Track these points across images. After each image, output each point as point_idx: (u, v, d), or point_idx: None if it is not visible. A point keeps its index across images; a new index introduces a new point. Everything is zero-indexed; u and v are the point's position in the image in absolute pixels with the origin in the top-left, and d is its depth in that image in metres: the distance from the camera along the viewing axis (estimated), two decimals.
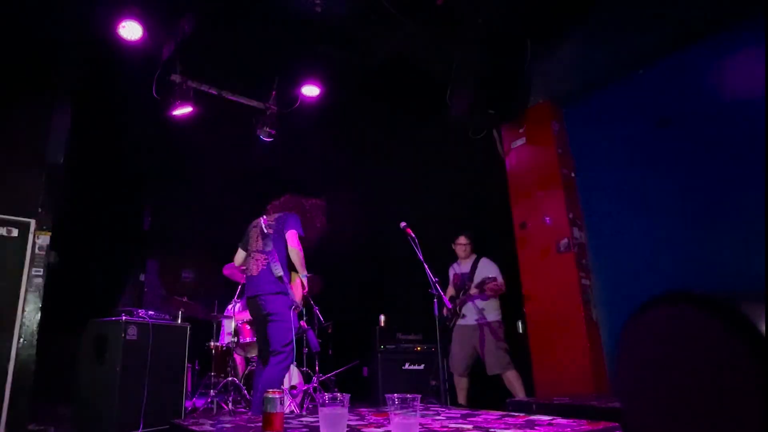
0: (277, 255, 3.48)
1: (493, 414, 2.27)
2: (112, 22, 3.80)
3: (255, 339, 4.66)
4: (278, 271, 3.43)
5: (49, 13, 3.82)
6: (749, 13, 3.39)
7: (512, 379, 4.13)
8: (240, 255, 3.79)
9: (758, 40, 3.20)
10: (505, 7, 3.85)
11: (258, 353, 3.62)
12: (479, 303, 4.35)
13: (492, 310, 4.33)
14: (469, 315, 4.37)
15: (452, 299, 4.44)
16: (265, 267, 3.46)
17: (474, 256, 4.56)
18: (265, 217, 3.73)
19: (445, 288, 4.39)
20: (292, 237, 3.54)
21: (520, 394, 4.07)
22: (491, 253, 4.59)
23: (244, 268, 3.76)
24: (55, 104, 3.77)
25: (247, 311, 5.09)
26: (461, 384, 4.33)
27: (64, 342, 4.06)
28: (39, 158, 3.62)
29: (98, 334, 3.65)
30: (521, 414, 2.23)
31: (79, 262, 4.89)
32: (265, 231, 3.57)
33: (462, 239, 4.60)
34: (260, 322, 3.51)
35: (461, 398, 4.31)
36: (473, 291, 4.32)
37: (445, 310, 3.31)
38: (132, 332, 3.52)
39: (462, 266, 4.61)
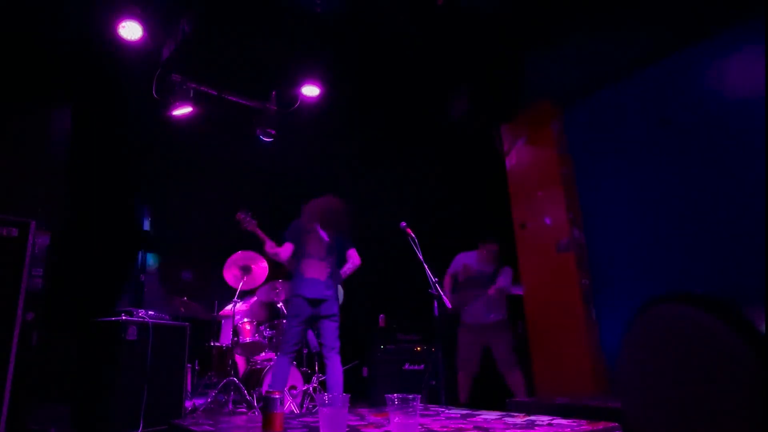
0: (336, 265, 3.89)
1: (493, 414, 2.27)
2: (112, 22, 3.80)
3: (255, 339, 4.67)
4: (339, 279, 3.92)
5: (49, 13, 3.82)
6: (749, 13, 3.38)
7: (517, 379, 4.16)
8: (288, 250, 3.76)
9: (758, 40, 3.20)
10: (505, 7, 3.85)
11: (290, 348, 3.67)
12: (491, 301, 4.42)
13: (502, 308, 4.44)
14: (480, 313, 4.40)
15: (457, 286, 4.52)
16: (329, 274, 3.80)
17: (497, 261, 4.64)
18: (318, 225, 3.86)
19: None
20: (355, 253, 3.99)
21: (521, 394, 4.08)
22: None
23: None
24: (55, 104, 3.77)
25: (247, 308, 5.11)
26: (466, 383, 4.34)
27: (64, 342, 4.06)
28: (39, 158, 3.62)
29: (98, 334, 3.66)
30: (521, 414, 2.23)
31: (79, 262, 4.89)
32: (326, 241, 3.85)
33: (494, 247, 4.63)
34: (311, 321, 3.71)
35: (463, 397, 4.32)
36: (493, 292, 4.43)
37: (447, 299, 3.38)
38: (132, 332, 3.52)
39: (482, 264, 4.63)
